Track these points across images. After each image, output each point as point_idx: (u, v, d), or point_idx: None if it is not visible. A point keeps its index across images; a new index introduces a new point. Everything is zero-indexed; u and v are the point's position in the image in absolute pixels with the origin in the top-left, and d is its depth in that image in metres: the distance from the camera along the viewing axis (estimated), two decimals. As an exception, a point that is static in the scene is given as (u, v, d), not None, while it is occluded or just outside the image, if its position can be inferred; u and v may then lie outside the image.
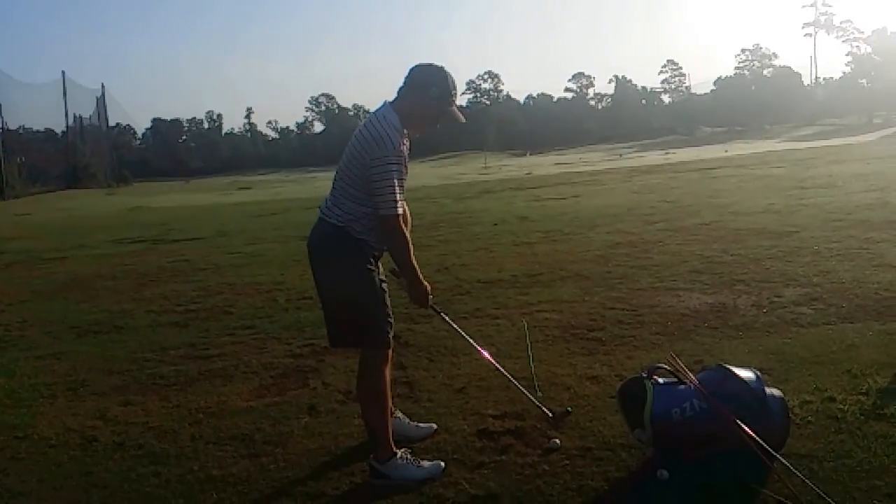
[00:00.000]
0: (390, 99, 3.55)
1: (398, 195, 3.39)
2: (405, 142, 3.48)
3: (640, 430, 3.43)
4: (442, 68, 3.53)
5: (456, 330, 4.05)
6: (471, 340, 4.13)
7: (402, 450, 3.55)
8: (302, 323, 6.57)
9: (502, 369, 4.10)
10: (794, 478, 3.08)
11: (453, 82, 3.54)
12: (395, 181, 3.37)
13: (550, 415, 3.91)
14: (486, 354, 4.18)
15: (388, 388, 3.59)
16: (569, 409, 4.03)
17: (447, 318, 4.00)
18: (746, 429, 3.17)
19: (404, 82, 3.52)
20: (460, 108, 3.68)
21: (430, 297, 3.67)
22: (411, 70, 3.54)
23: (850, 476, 3.18)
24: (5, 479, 3.78)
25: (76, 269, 11.30)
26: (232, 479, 3.62)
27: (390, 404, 3.66)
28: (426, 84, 3.48)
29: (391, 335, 3.58)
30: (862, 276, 6.79)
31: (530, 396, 4.03)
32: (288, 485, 3.53)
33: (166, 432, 4.27)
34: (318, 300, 3.70)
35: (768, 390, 3.46)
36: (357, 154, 3.43)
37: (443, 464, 3.57)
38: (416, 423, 4.00)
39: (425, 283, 3.61)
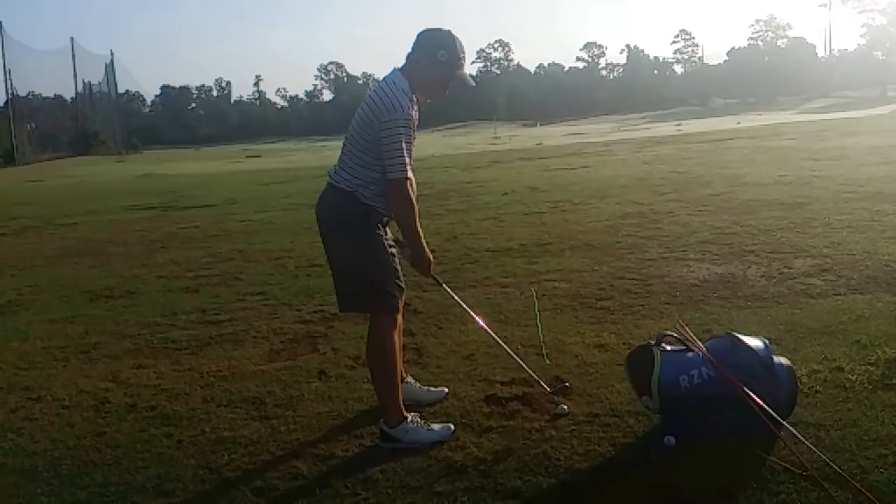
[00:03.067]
0: (399, 66, 3.54)
1: (407, 159, 3.39)
2: (414, 107, 3.47)
3: (648, 398, 3.44)
4: (450, 32, 3.52)
5: (455, 300, 4.05)
6: (469, 310, 4.13)
7: (413, 413, 3.58)
8: (312, 289, 6.60)
9: (497, 338, 4.12)
10: (801, 446, 3.11)
11: (461, 46, 3.52)
12: (404, 144, 3.37)
13: (548, 389, 3.90)
14: (482, 323, 4.18)
15: (396, 353, 3.61)
16: (566, 383, 4.00)
17: (447, 287, 4.00)
18: (754, 396, 3.18)
19: (412, 48, 3.52)
20: (472, 77, 3.67)
21: (433, 265, 3.67)
22: (419, 35, 3.53)
23: (857, 445, 3.19)
24: (20, 439, 3.84)
25: (87, 234, 11.37)
26: (243, 440, 3.66)
27: (399, 369, 3.68)
28: (434, 48, 3.46)
29: (400, 300, 3.60)
30: (873, 247, 6.77)
31: (527, 368, 4.01)
32: (298, 447, 3.57)
33: (178, 395, 4.32)
34: (327, 267, 3.71)
35: (776, 359, 3.46)
36: (367, 118, 3.43)
37: (452, 426, 3.60)
38: (427, 388, 4.03)
39: (428, 251, 3.61)
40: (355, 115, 3.53)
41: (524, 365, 4.03)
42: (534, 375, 3.98)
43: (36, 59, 46.32)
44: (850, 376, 3.88)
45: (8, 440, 3.84)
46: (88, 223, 12.68)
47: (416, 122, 3.51)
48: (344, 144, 3.58)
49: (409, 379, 4.00)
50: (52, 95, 58.46)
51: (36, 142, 43.33)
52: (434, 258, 3.72)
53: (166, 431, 3.82)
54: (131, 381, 4.61)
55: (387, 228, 3.63)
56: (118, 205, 15.26)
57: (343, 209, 3.50)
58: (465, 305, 4.11)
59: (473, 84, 3.67)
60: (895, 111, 40.93)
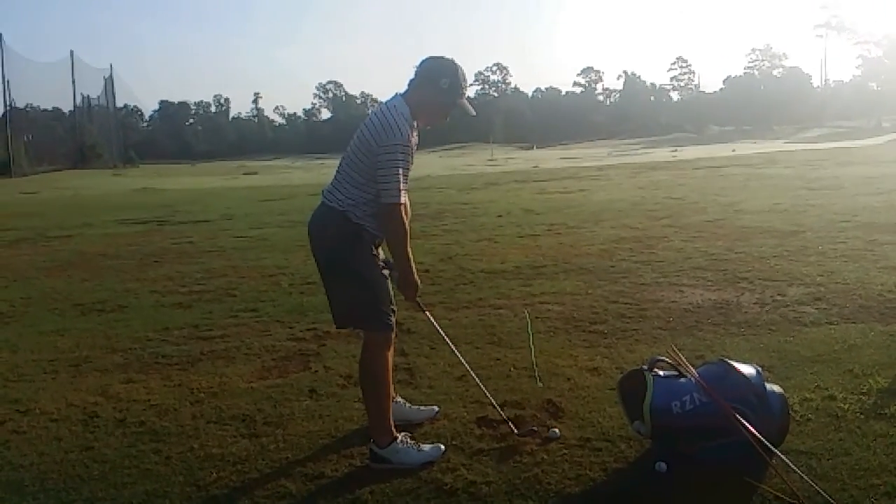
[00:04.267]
0: (400, 90, 3.56)
1: (402, 184, 3.40)
2: (414, 133, 3.50)
3: (640, 423, 3.43)
4: (453, 61, 3.54)
5: (437, 329, 3.98)
6: (450, 342, 4.05)
7: (403, 434, 3.56)
8: (305, 307, 6.58)
9: (472, 373, 4.02)
10: (792, 474, 3.09)
11: (464, 75, 3.55)
12: (401, 170, 3.39)
13: (515, 431, 3.76)
14: (460, 357, 4.08)
15: (388, 373, 3.59)
16: (534, 427, 3.80)
17: (430, 316, 3.96)
18: (746, 423, 3.17)
19: (415, 74, 3.54)
20: (470, 100, 3.68)
21: (419, 288, 3.63)
22: (422, 62, 3.55)
23: (849, 474, 3.18)
24: (7, 452, 3.80)
25: (81, 247, 11.34)
26: (231, 457, 3.63)
27: (391, 389, 3.67)
28: (437, 76, 3.49)
29: (393, 319, 3.58)
30: (866, 277, 6.79)
31: (498, 408, 3.90)
32: (287, 465, 3.54)
33: (167, 410, 4.29)
34: (321, 284, 3.70)
35: (769, 386, 3.46)
36: (366, 140, 3.44)
37: (443, 447, 3.58)
38: (417, 407, 4.01)
39: (416, 276, 3.60)
40: (354, 136, 3.54)
41: (498, 408, 3.90)
42: (502, 414, 3.87)
43: (35, 70, 46.49)
44: (842, 405, 3.87)
45: (-6, 453, 3.80)
46: (83, 236, 12.65)
47: (415, 147, 3.52)
48: (340, 164, 3.59)
49: (399, 399, 3.97)
50: (50, 108, 58.70)
51: (33, 153, 43.34)
52: (428, 278, 3.72)
53: (155, 447, 3.79)
54: (121, 395, 4.57)
55: (379, 249, 3.63)
56: (113, 218, 15.25)
57: (334, 227, 3.50)
58: (447, 338, 4.02)
59: (474, 113, 3.68)
60: (890, 142, 41.24)
